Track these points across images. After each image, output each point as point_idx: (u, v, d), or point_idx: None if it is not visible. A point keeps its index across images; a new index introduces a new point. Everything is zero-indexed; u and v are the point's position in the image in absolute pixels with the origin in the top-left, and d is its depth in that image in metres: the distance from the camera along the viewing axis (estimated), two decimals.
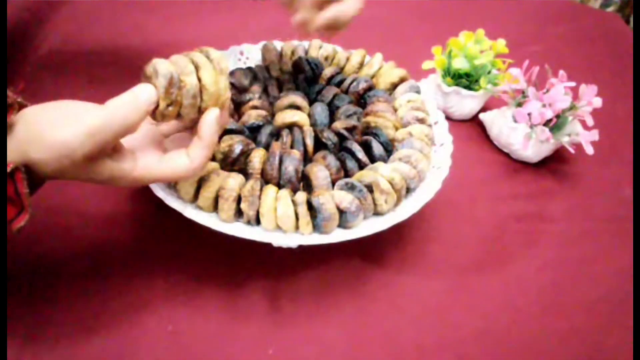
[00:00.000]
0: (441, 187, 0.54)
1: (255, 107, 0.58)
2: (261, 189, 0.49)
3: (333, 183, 0.51)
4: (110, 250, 0.57)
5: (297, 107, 0.57)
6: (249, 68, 0.65)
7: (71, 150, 0.38)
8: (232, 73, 0.63)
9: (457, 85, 0.76)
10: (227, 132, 0.53)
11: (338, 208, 0.48)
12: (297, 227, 0.49)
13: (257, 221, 0.50)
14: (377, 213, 0.52)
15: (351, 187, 0.50)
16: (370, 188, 0.50)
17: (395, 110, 0.60)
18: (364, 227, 0.50)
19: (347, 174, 0.53)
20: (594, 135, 0.68)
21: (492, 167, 0.73)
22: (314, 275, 0.57)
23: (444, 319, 0.54)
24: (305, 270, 0.57)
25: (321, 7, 0.54)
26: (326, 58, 0.67)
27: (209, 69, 0.43)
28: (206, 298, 0.54)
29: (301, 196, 0.48)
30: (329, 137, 0.55)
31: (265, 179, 0.51)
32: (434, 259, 0.60)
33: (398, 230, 0.55)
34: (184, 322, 0.52)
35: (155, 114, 0.41)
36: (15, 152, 0.38)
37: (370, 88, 0.62)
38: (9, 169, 0.37)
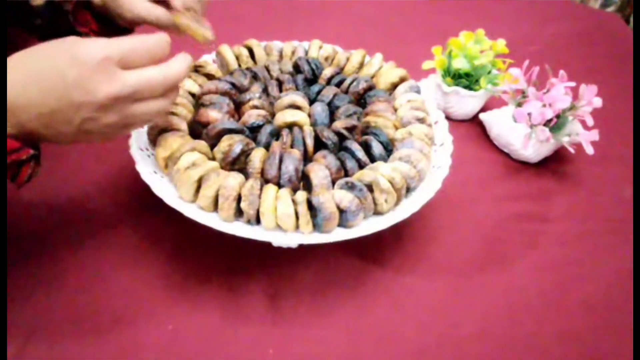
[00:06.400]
0: (441, 186, 0.54)
1: (255, 107, 0.58)
2: (261, 189, 0.49)
3: (333, 182, 0.51)
4: (110, 250, 0.57)
5: (297, 107, 0.57)
6: (249, 68, 0.65)
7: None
8: (232, 73, 0.63)
9: (457, 85, 0.76)
10: (227, 131, 0.53)
11: (338, 207, 0.48)
12: (297, 227, 0.49)
13: (257, 220, 0.49)
14: (377, 212, 0.52)
15: (351, 187, 0.50)
16: (370, 187, 0.50)
17: (395, 110, 0.60)
18: (364, 227, 0.50)
19: (347, 174, 0.53)
20: (594, 135, 0.68)
21: (492, 167, 0.73)
22: (314, 275, 0.57)
23: (444, 318, 0.54)
24: (305, 269, 0.57)
25: None
26: (326, 58, 0.67)
27: None
28: (206, 298, 0.54)
29: (301, 195, 0.48)
30: (329, 136, 0.55)
31: (265, 179, 0.51)
32: (434, 258, 0.60)
33: (398, 230, 0.55)
34: (184, 321, 0.52)
35: None
36: None
37: (370, 88, 0.62)
38: None
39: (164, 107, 0.45)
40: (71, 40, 0.41)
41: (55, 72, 0.39)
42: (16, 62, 0.41)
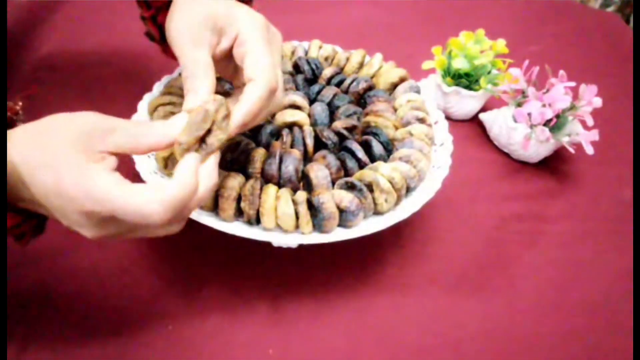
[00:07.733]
0: (441, 186, 0.54)
1: None
2: (261, 188, 0.49)
3: (333, 182, 0.51)
4: (109, 251, 0.57)
5: (297, 107, 0.57)
6: None
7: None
8: None
9: (457, 85, 0.76)
10: None
11: (338, 207, 0.48)
12: (297, 226, 0.49)
13: (257, 220, 0.49)
14: (377, 212, 0.52)
15: (351, 187, 0.50)
16: (370, 187, 0.50)
17: (395, 110, 0.60)
18: (364, 227, 0.50)
19: (347, 174, 0.53)
20: (594, 135, 0.68)
21: (492, 167, 0.73)
22: (314, 275, 0.57)
23: (443, 319, 0.54)
24: (305, 269, 0.57)
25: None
26: (326, 58, 0.67)
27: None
28: (206, 298, 0.54)
29: (301, 195, 0.48)
30: (329, 136, 0.55)
31: (266, 179, 0.51)
32: (434, 258, 0.60)
33: (398, 230, 0.55)
34: (184, 321, 0.52)
35: None
36: None
37: (370, 88, 0.62)
38: None
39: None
40: (70, 168, 0.35)
41: (43, 185, 0.36)
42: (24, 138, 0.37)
